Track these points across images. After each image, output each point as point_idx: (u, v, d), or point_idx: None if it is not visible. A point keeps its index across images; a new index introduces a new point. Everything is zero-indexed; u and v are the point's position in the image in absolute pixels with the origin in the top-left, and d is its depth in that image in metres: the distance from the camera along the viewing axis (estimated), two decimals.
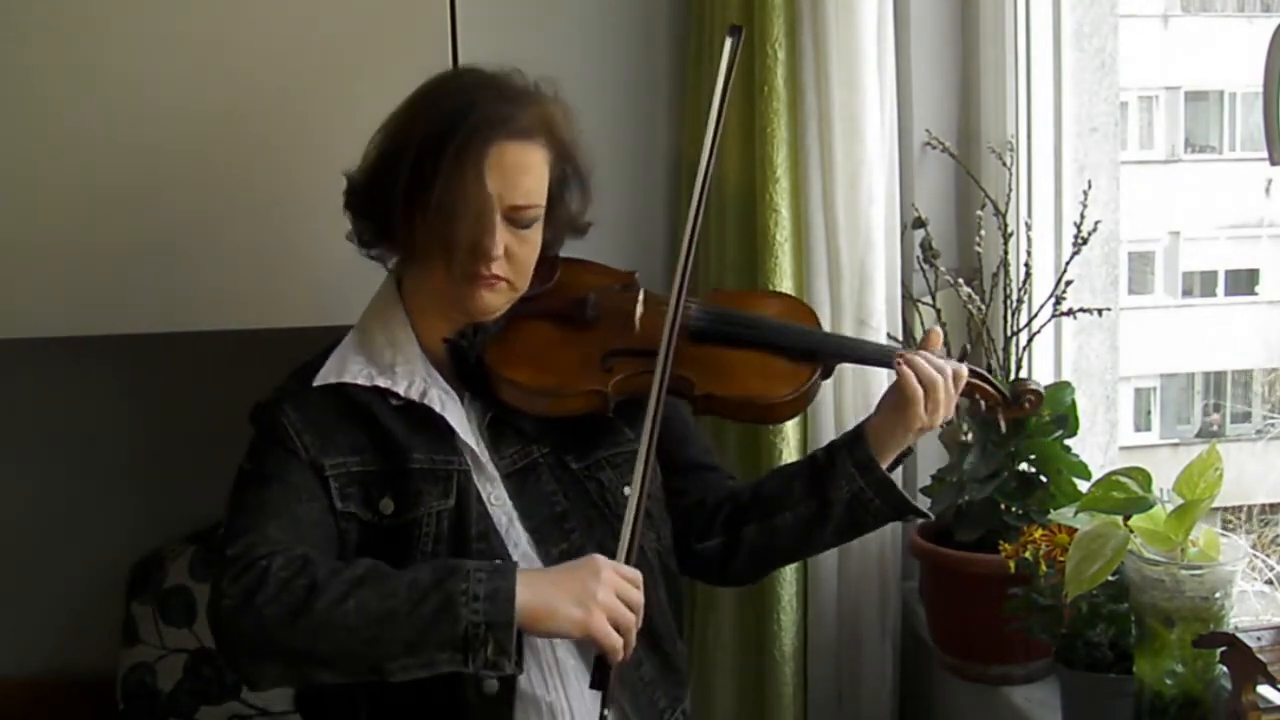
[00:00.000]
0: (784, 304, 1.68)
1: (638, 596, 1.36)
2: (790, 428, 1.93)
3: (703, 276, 2.11)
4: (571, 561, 1.38)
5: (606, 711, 1.36)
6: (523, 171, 1.43)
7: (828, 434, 1.88)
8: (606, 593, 1.33)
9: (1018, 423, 1.69)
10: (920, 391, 1.50)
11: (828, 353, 1.58)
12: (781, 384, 1.53)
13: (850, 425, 1.73)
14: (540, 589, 1.32)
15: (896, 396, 1.53)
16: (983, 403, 1.62)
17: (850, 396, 1.92)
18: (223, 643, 1.34)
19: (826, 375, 1.58)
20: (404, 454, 1.43)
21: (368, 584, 1.30)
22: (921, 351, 1.54)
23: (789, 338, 1.56)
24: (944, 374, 1.51)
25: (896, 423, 1.53)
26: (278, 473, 1.42)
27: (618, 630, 1.33)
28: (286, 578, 1.30)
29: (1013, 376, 1.86)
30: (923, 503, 1.92)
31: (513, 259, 1.44)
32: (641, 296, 1.55)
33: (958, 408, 1.76)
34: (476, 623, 1.28)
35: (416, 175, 1.39)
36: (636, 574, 1.38)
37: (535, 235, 1.46)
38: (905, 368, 1.51)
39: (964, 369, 1.55)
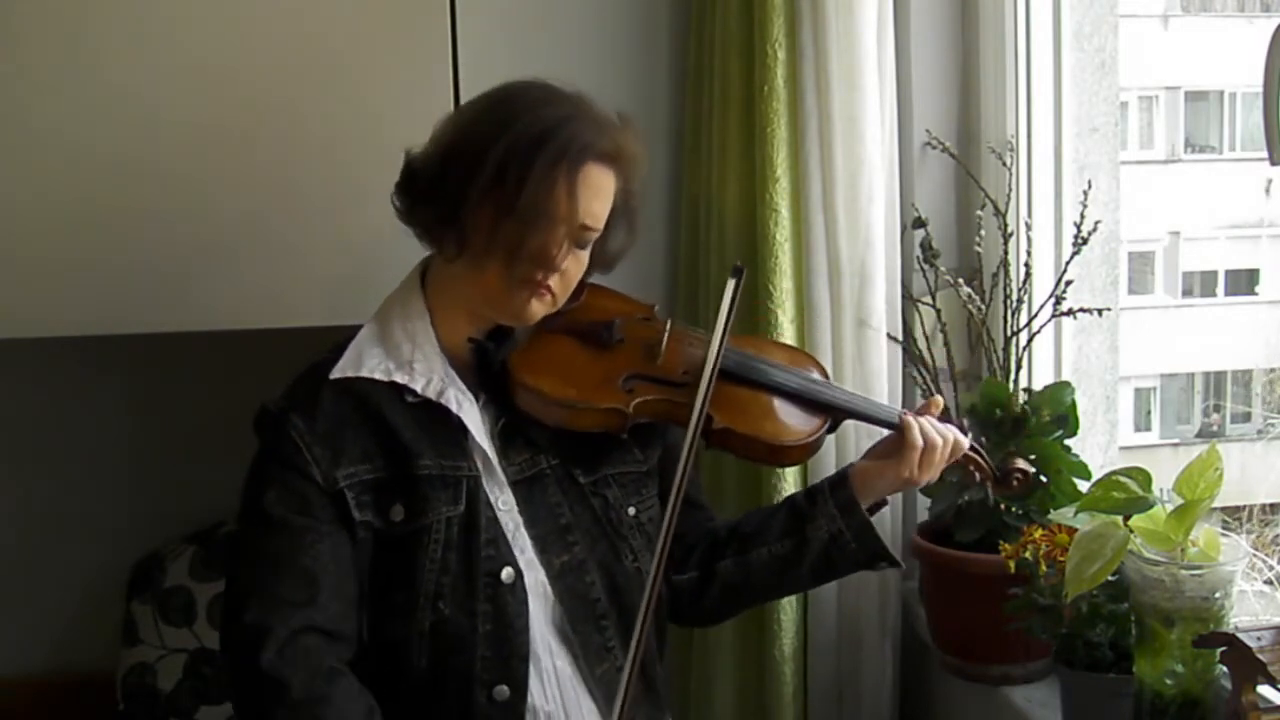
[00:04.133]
0: (798, 357, 1.71)
1: None
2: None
3: (704, 277, 2.11)
4: None
5: None
6: (599, 195, 1.45)
7: None
8: None
9: (1007, 497, 1.73)
10: (920, 445, 1.55)
11: (839, 407, 1.62)
12: (794, 430, 1.57)
13: None
14: None
15: (894, 447, 1.59)
16: (976, 474, 1.68)
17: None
18: (236, 707, 1.40)
19: (833, 429, 1.62)
20: (413, 460, 1.43)
21: None
22: (926, 416, 1.60)
23: (806, 387, 1.60)
24: (945, 439, 1.58)
25: (885, 471, 1.58)
26: (282, 513, 1.40)
27: None
28: (295, 700, 1.33)
29: (1012, 378, 1.86)
30: (922, 503, 1.93)
31: (564, 275, 1.46)
32: (668, 328, 1.58)
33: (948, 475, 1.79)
34: None
35: (500, 174, 1.39)
36: None
37: (586, 256, 1.49)
38: (911, 419, 1.57)
39: (965, 440, 1.61)
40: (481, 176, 1.40)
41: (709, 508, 1.71)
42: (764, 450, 1.57)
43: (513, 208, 1.39)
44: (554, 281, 1.45)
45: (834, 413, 1.61)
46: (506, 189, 1.39)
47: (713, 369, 1.46)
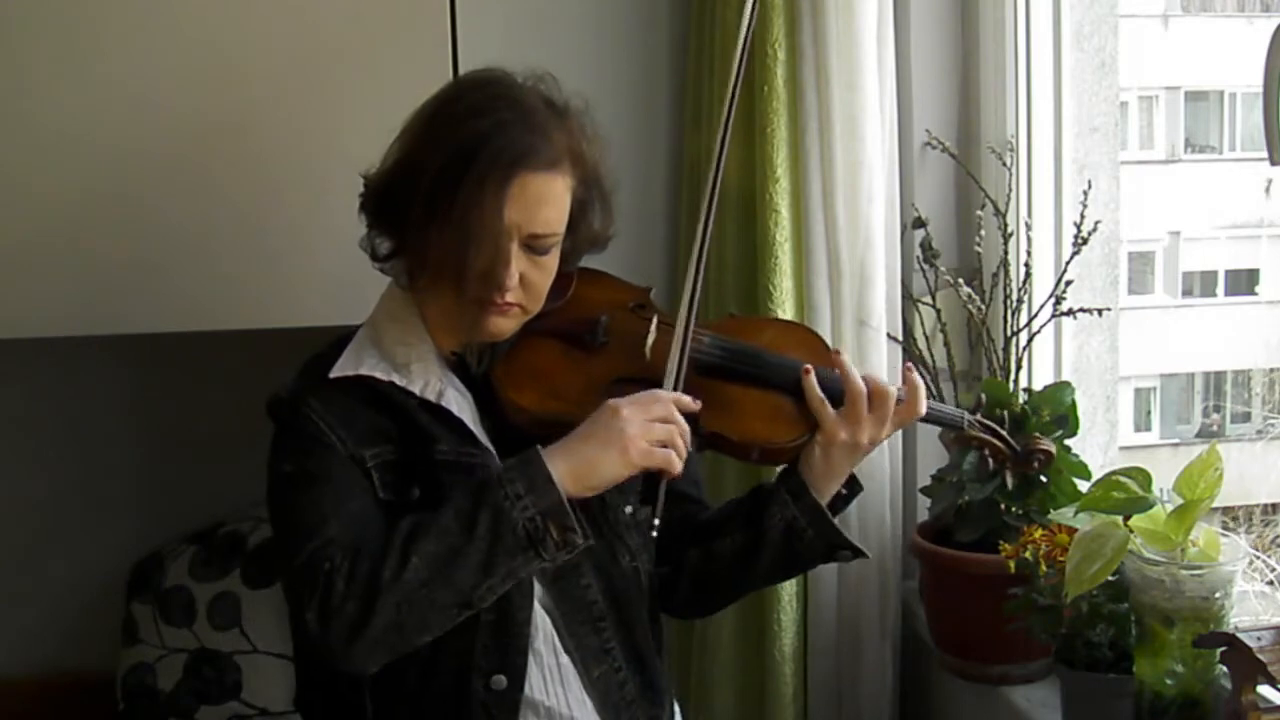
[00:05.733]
0: (798, 336, 1.61)
1: (663, 409, 1.37)
2: None
3: (703, 277, 2.11)
4: (594, 416, 1.38)
5: (657, 521, 1.38)
6: (544, 202, 1.40)
7: None
8: (633, 424, 1.35)
9: (1025, 478, 1.68)
10: (817, 399, 1.47)
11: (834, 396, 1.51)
12: (785, 429, 1.49)
13: None
14: (571, 454, 1.34)
15: None
16: (990, 458, 1.62)
17: None
18: (324, 654, 1.35)
19: None
20: (430, 443, 1.41)
21: (419, 535, 1.30)
22: (865, 374, 1.50)
23: (797, 378, 1.50)
24: (860, 390, 1.46)
25: (815, 443, 1.49)
26: (321, 472, 1.39)
27: (666, 447, 1.35)
28: (348, 571, 1.30)
29: (1012, 378, 1.86)
30: (922, 503, 1.93)
31: (527, 285, 1.42)
32: (655, 322, 1.51)
33: (957, 457, 1.74)
34: (530, 517, 1.30)
35: (435, 193, 1.37)
36: (653, 391, 1.39)
37: (552, 260, 1.44)
38: (809, 377, 1.48)
39: (890, 389, 1.48)
40: (420, 198, 1.37)
41: (706, 504, 1.67)
42: (758, 452, 1.50)
43: (449, 230, 1.36)
44: (514, 296, 1.41)
45: (833, 401, 1.49)
46: (440, 212, 1.36)
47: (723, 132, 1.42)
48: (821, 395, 1.47)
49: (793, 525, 1.50)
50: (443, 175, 1.37)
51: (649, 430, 1.35)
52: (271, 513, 1.43)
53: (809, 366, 1.49)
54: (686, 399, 1.40)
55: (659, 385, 1.43)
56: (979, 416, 1.60)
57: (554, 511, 1.31)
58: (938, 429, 1.85)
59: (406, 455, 1.42)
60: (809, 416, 1.49)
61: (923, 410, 1.50)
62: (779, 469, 1.57)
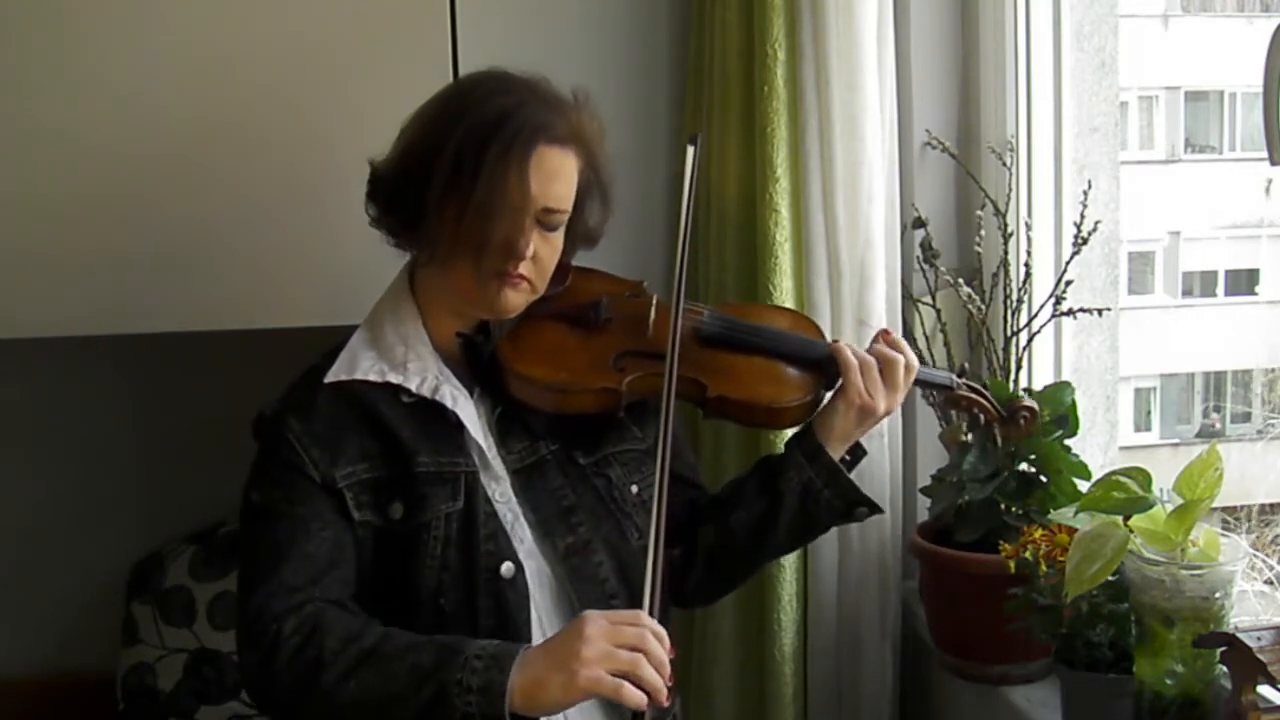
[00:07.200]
0: (790, 318, 1.71)
1: (635, 635, 1.31)
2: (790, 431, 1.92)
3: (703, 277, 2.11)
4: (566, 626, 1.36)
5: None
6: (557, 177, 1.45)
7: None
8: (594, 647, 1.29)
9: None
10: (854, 363, 1.54)
11: (829, 362, 1.58)
12: (790, 390, 1.57)
13: None
14: (532, 667, 1.30)
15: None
16: (981, 417, 1.66)
17: None
18: (253, 699, 1.42)
19: (830, 385, 1.59)
20: (410, 458, 1.44)
21: (371, 663, 1.33)
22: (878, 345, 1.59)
23: (796, 347, 1.60)
24: (881, 357, 1.56)
25: (837, 404, 1.56)
26: (286, 506, 1.42)
27: (627, 678, 1.28)
28: (297, 645, 1.35)
29: (1012, 378, 1.86)
30: (922, 503, 1.93)
31: (537, 261, 1.46)
32: (654, 301, 1.58)
33: (955, 418, 1.77)
34: (470, 713, 1.29)
35: (455, 171, 1.41)
36: (632, 613, 1.34)
37: (558, 239, 1.49)
38: (840, 344, 1.57)
39: (914, 360, 1.58)
40: (439, 176, 1.41)
41: (704, 487, 1.70)
42: (762, 414, 1.57)
43: (472, 202, 1.40)
44: (526, 270, 1.45)
45: (828, 367, 1.58)
46: (463, 184, 1.40)
47: (683, 240, 1.47)
48: (853, 358, 1.54)
49: (809, 487, 1.56)
50: (464, 151, 1.41)
51: (608, 657, 1.28)
52: (239, 543, 1.47)
53: (839, 340, 1.58)
54: (667, 639, 1.33)
55: (663, 358, 1.47)
56: (965, 379, 1.66)
57: None
58: (938, 428, 1.87)
59: (389, 471, 1.44)
60: (811, 380, 1.58)
61: (914, 359, 1.58)
62: (786, 439, 1.63)
